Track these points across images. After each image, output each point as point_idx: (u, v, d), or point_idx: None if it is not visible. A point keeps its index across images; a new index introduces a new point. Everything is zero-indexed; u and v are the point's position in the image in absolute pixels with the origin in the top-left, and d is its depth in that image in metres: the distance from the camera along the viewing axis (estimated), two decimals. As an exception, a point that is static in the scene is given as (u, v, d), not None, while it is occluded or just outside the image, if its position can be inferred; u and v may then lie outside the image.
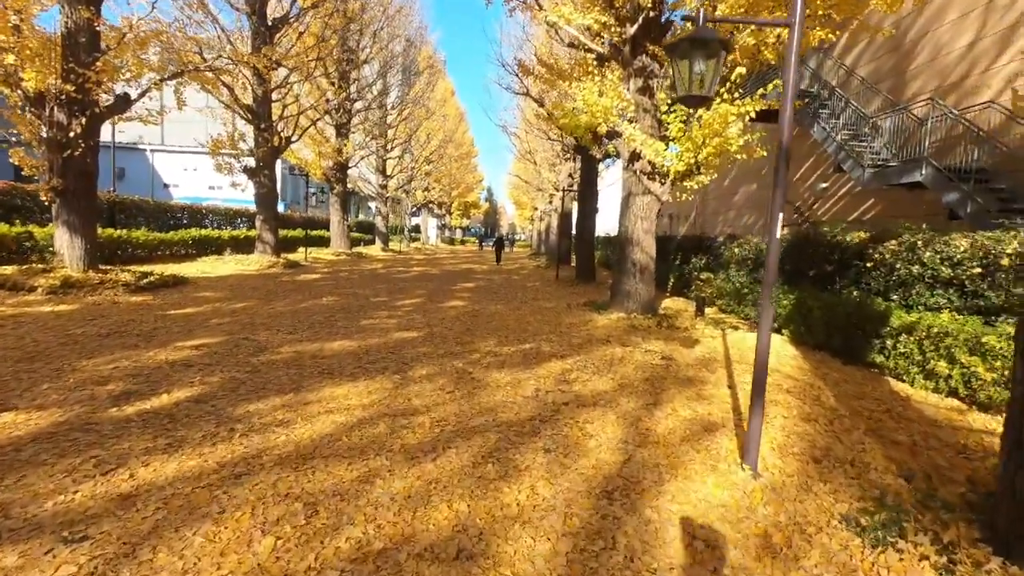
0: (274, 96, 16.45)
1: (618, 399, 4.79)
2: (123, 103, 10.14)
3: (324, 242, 25.45)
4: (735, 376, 5.76)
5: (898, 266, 6.69)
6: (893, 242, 6.89)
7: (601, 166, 18.21)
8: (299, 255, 19.46)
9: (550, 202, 30.57)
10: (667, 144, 8.96)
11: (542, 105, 15.11)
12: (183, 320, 7.34)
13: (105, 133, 11.26)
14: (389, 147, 30.61)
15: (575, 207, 24.22)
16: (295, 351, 5.99)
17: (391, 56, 24.62)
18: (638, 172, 9.57)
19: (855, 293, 7.37)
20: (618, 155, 16.94)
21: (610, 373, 5.66)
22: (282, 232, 23.00)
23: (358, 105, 24.04)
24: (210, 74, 13.21)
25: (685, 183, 9.25)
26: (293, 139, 17.32)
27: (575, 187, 21.21)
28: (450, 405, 4.44)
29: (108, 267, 10.58)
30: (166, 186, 36.38)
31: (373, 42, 22.68)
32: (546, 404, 4.58)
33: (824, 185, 14.22)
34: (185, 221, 19.15)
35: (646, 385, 5.28)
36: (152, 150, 36.36)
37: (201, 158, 31.57)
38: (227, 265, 15.18)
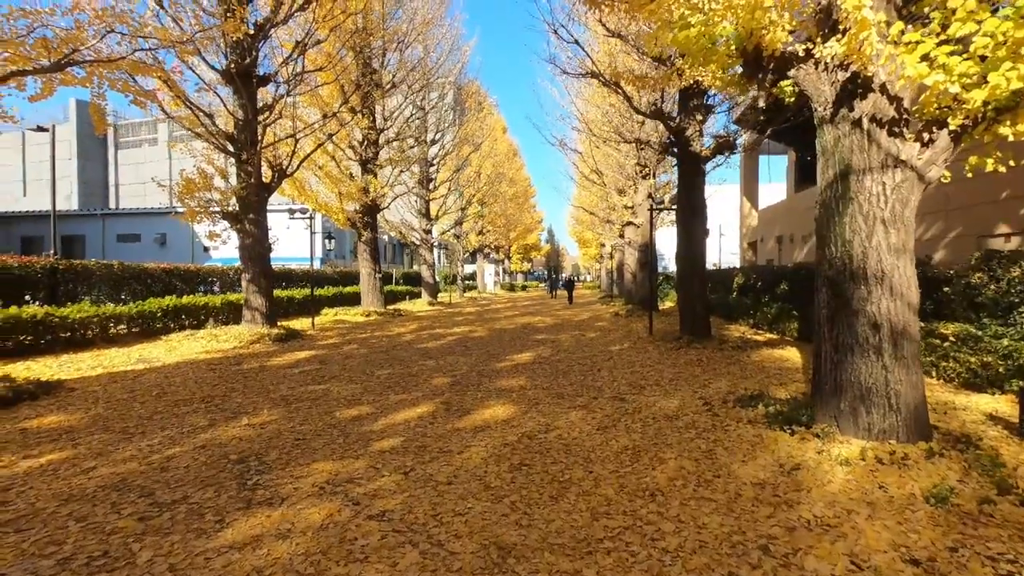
0: (261, 117, 12.59)
1: None
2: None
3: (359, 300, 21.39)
4: None
5: None
6: None
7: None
8: (320, 319, 15.44)
9: (621, 235, 25.23)
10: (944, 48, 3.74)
11: (618, 86, 10.25)
12: None
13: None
14: (431, 186, 26.74)
15: (659, 235, 19.01)
16: None
17: (424, 77, 20.81)
18: (865, 123, 4.37)
19: None
20: (750, 126, 11.54)
21: None
22: (318, 291, 19.32)
23: (389, 134, 20.22)
24: (135, 82, 9.41)
25: (996, 130, 3.93)
26: (289, 171, 13.36)
27: (664, 203, 15.99)
28: None
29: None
30: (206, 249, 34.40)
31: (399, 58, 18.97)
32: None
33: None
34: (180, 286, 15.60)
35: None
36: (192, 213, 34.64)
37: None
38: (196, 343, 11.02)
